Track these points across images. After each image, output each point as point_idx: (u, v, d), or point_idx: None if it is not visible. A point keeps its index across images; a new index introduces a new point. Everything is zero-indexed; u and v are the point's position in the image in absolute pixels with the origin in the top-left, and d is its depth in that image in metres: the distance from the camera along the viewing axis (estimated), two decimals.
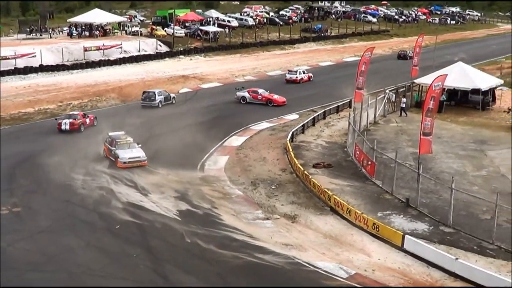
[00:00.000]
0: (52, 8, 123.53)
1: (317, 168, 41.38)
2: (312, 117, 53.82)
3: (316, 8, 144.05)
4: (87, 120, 51.38)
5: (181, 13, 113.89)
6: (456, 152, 45.17)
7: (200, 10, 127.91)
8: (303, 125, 50.91)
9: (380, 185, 37.79)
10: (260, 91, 62.09)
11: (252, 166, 42.61)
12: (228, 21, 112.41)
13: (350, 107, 54.64)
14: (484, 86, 57.68)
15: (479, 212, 33.36)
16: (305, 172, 39.06)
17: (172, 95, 62.87)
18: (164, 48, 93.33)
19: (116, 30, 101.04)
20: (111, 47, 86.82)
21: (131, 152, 41.57)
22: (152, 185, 37.81)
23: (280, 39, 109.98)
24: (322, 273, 27.50)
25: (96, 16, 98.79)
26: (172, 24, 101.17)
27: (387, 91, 57.41)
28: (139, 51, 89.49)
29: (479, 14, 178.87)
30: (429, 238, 30.69)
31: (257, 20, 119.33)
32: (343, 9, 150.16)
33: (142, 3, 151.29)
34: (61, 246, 29.37)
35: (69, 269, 27.12)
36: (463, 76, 57.49)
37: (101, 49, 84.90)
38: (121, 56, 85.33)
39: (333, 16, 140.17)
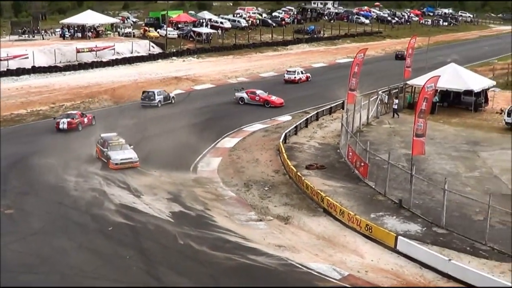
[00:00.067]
0: (45, 9, 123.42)
1: (310, 169, 41.39)
2: (305, 118, 53.82)
3: (309, 10, 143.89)
4: (85, 120, 51.93)
5: (174, 15, 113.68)
6: (449, 153, 45.23)
7: (192, 12, 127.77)
8: (296, 127, 50.92)
9: (373, 187, 37.83)
10: (258, 92, 62.17)
11: (245, 168, 42.61)
12: (221, 23, 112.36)
13: (343, 109, 54.68)
14: (476, 88, 57.77)
15: (472, 213, 33.41)
16: (298, 173, 39.07)
17: (172, 94, 63.42)
18: (156, 50, 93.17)
19: (108, 32, 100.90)
20: (104, 48, 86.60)
21: (123, 154, 41.59)
22: (145, 187, 37.78)
23: (273, 40, 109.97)
24: (315, 274, 27.52)
25: (89, 17, 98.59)
26: (164, 26, 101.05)
27: (379, 92, 57.47)
28: (131, 52, 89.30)
29: (471, 16, 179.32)
30: (422, 239, 30.73)
31: (249, 21, 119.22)
32: (336, 11, 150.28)
33: (134, 4, 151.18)
34: (54, 248, 29.34)
35: (62, 271, 27.09)
36: (455, 77, 57.60)
37: (93, 50, 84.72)
38: (114, 57, 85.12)
39: (326, 17, 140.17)
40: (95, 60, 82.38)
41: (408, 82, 61.48)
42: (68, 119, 50.65)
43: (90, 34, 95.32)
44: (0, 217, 32.80)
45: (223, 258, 28.53)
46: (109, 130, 45.21)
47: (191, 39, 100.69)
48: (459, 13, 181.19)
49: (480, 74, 67.01)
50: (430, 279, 27.37)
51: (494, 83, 63.77)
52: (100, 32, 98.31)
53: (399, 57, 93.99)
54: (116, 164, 40.91)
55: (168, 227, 32.10)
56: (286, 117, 56.87)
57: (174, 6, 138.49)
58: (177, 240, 30.45)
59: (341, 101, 56.69)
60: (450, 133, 51.14)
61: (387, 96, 58.48)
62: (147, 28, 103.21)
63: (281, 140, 46.68)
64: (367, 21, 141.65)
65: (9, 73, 72.55)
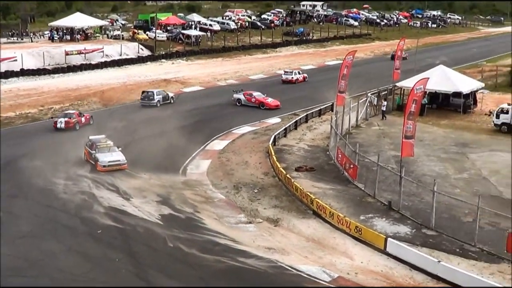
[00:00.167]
0: (33, 12, 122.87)
1: (299, 171, 41.41)
2: (294, 120, 53.83)
3: (298, 12, 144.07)
4: (83, 119, 53.02)
5: (163, 17, 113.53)
6: (438, 155, 45.33)
7: (182, 14, 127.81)
8: (285, 129, 50.94)
9: (363, 188, 37.87)
10: (255, 94, 62.30)
11: (235, 170, 42.58)
12: (210, 25, 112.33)
13: (332, 111, 54.72)
14: (465, 89, 57.98)
15: (461, 214, 33.48)
16: (288, 175, 39.06)
17: (171, 94, 64.03)
18: (146, 52, 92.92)
19: (97, 34, 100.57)
20: (93, 51, 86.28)
21: (111, 156, 41.58)
22: (134, 190, 37.69)
23: (262, 43, 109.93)
24: (305, 276, 27.51)
25: (78, 20, 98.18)
26: (154, 28, 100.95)
27: (369, 94, 57.57)
28: (120, 55, 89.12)
29: (460, 18, 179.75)
30: (412, 241, 30.78)
31: (239, 24, 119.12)
32: (325, 13, 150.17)
33: (123, 6, 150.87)
34: (43, 251, 29.22)
35: (51, 274, 26.99)
36: (444, 79, 57.83)
37: (82, 53, 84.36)
38: (103, 60, 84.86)
39: (315, 19, 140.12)
40: (84, 62, 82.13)
41: (397, 84, 61.60)
42: (66, 119, 51.81)
43: (79, 36, 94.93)
44: None
45: (213, 261, 28.49)
46: (100, 131, 45.22)
47: (180, 41, 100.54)
48: (448, 15, 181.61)
49: (468, 76, 67.24)
50: (419, 281, 27.40)
51: (483, 85, 64.05)
52: (89, 34, 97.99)
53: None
54: (104, 166, 40.88)
55: (158, 229, 32.03)
56: (276, 119, 56.87)
57: (163, 9, 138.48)
58: (167, 243, 30.38)
59: (331, 103, 56.72)
60: (439, 135, 51.27)
61: (376, 98, 58.55)
62: (136, 31, 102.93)
63: (270, 142, 46.66)
64: (356, 23, 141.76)
65: None
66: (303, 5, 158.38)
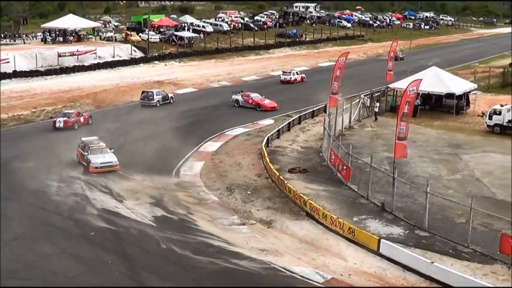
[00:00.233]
0: (26, 13, 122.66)
1: (292, 173, 41.42)
2: (287, 122, 53.84)
3: (291, 14, 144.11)
4: (81, 119, 53.68)
5: (156, 19, 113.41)
6: (431, 156, 45.40)
7: (174, 16, 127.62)
8: (278, 130, 50.94)
9: (356, 190, 37.90)
10: (253, 95, 62.34)
11: (228, 172, 42.57)
12: (203, 27, 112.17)
13: (325, 112, 54.72)
14: (458, 91, 58.09)
15: (454, 215, 33.54)
16: (281, 177, 39.06)
17: (170, 95, 64.51)
18: (138, 54, 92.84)
19: (90, 36, 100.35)
20: (85, 52, 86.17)
21: (103, 157, 41.58)
22: (127, 191, 37.65)
23: (255, 44, 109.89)
24: (298, 278, 27.52)
25: (70, 21, 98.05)
26: (146, 30, 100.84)
27: (362, 96, 57.62)
28: (113, 56, 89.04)
29: (452, 19, 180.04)
30: (405, 242, 30.81)
31: (232, 25, 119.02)
32: (318, 15, 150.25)
33: (116, 8, 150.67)
34: (36, 253, 29.18)
35: (45, 277, 26.94)
36: (437, 80, 57.93)
37: (75, 54, 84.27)
38: (96, 61, 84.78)
39: (308, 21, 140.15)
40: (77, 64, 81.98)
41: (390, 85, 61.65)
42: (65, 118, 52.55)
43: (71, 38, 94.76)
44: None
45: (206, 262, 28.49)
46: (96, 133, 45.30)
47: (173, 43, 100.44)
48: (441, 17, 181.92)
49: (461, 77, 67.46)
50: (413, 282, 27.43)
51: (476, 86, 64.21)
52: (82, 36, 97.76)
53: (396, 59, 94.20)
54: (96, 167, 40.87)
55: (151, 231, 32.00)
56: (269, 121, 56.87)
57: (156, 10, 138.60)
58: (160, 245, 30.37)
59: (323, 105, 56.76)
60: (432, 136, 51.34)
61: (369, 100, 58.60)
62: (129, 32, 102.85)
63: (263, 143, 46.67)
64: (349, 25, 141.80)
65: None
66: (296, 7, 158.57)
